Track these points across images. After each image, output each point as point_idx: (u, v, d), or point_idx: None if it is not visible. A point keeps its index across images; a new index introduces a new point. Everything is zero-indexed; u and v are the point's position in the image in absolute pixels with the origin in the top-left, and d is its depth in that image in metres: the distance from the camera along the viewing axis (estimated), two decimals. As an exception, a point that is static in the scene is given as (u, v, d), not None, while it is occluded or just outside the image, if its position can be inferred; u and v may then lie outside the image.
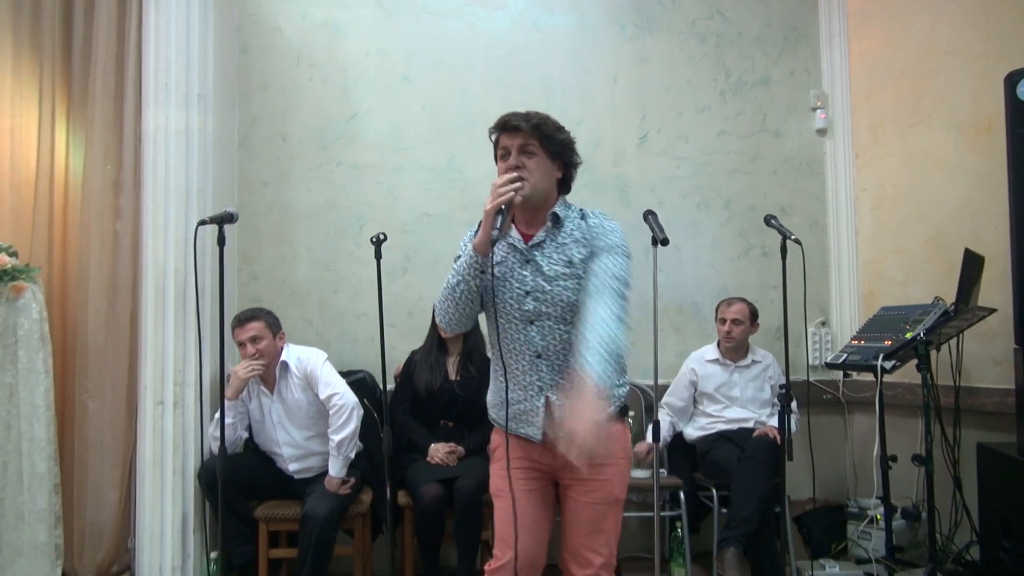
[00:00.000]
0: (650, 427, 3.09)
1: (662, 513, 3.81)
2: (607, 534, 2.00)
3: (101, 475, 3.10)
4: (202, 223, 2.59)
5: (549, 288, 1.95)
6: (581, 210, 2.06)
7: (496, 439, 2.09)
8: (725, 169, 4.14)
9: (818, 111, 4.17)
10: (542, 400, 1.97)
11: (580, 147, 4.09)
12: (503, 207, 1.85)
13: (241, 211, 3.77)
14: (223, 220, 2.54)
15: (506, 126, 1.97)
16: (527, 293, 1.96)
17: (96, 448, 3.11)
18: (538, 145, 1.96)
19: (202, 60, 3.28)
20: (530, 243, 1.98)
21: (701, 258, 4.11)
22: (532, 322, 1.96)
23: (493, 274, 1.91)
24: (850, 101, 4.17)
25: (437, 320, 2.03)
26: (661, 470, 3.70)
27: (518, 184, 1.89)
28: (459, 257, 2.00)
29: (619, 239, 2.00)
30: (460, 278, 1.93)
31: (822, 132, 4.20)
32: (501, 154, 1.99)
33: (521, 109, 3.99)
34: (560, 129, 2.02)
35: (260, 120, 3.85)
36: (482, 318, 2.12)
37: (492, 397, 2.09)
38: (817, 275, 4.18)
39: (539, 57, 4.05)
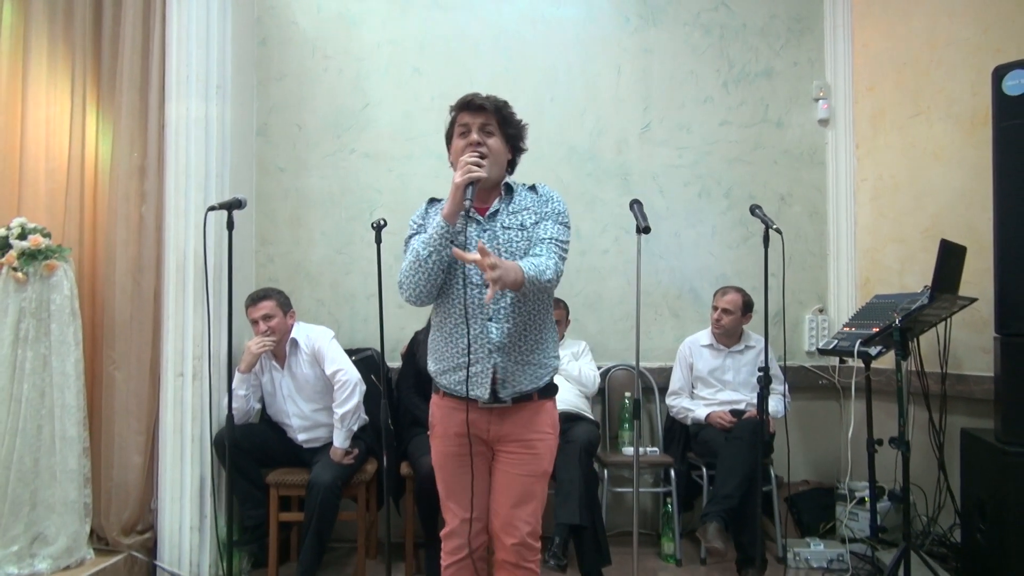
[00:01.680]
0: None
1: (654, 490, 3.98)
2: (534, 505, 2.13)
3: (126, 440, 3.33)
4: (211, 209, 2.78)
5: (504, 252, 2.08)
6: (532, 185, 2.21)
7: (436, 412, 2.19)
8: (726, 158, 4.23)
9: (820, 102, 4.24)
10: (491, 363, 2.07)
11: (583, 136, 4.29)
12: (472, 181, 2.00)
13: (259, 196, 4.01)
14: (232, 206, 2.72)
15: (470, 105, 2.12)
16: None
17: (122, 415, 3.33)
18: (496, 126, 2.13)
19: (221, 53, 3.46)
20: (486, 214, 2.12)
21: (701, 245, 4.22)
22: (487, 286, 2.01)
23: (466, 239, 2.02)
24: (852, 92, 4.22)
25: (403, 296, 2.10)
26: (655, 449, 3.88)
27: (484, 163, 2.05)
28: (413, 235, 2.14)
29: (561, 207, 2.17)
30: (431, 249, 2.02)
31: (824, 122, 4.26)
32: (461, 131, 2.13)
33: (528, 98, 4.19)
34: (516, 116, 2.18)
35: (278, 109, 4.04)
36: None
37: (441, 364, 2.15)
38: (816, 263, 4.28)
39: (545, 48, 4.18)
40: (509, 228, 2.12)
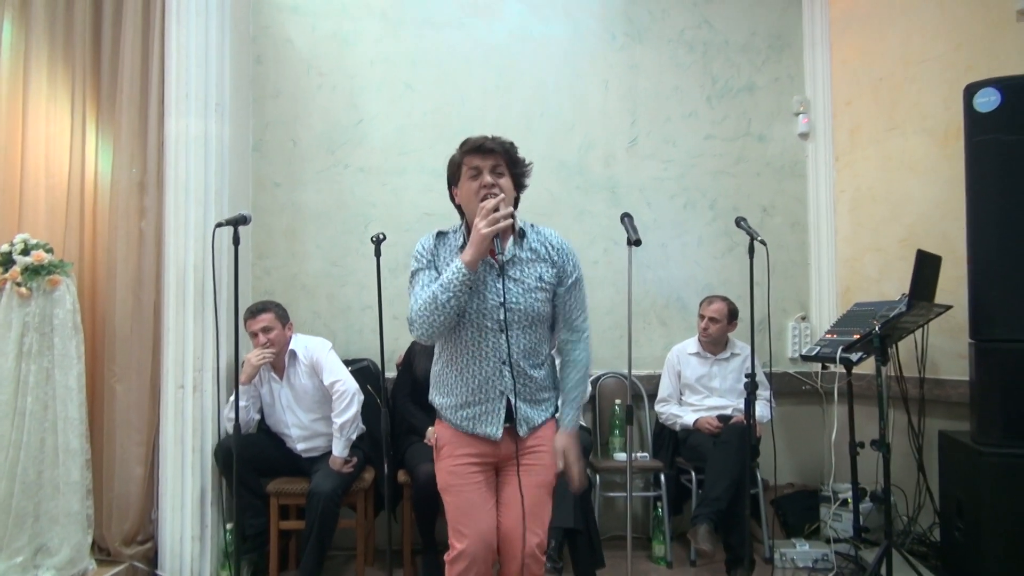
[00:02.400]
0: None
1: (645, 494, 4.08)
2: (542, 517, 2.19)
3: (127, 452, 3.39)
4: (219, 225, 2.86)
5: (523, 300, 2.12)
6: (531, 224, 2.26)
7: (444, 435, 2.24)
8: (711, 171, 4.37)
9: (800, 116, 4.39)
10: (503, 402, 2.14)
11: (572, 150, 4.41)
12: (499, 232, 2.05)
13: (255, 211, 4.07)
14: (238, 222, 2.81)
15: (481, 148, 2.13)
16: (501, 304, 2.10)
17: (123, 427, 3.39)
18: (506, 167, 2.16)
19: (219, 72, 3.54)
20: (503, 259, 2.12)
21: (687, 256, 4.34)
22: (503, 331, 2.11)
23: (485, 287, 2.11)
24: (831, 106, 4.38)
25: (414, 334, 2.13)
26: (645, 454, 3.98)
27: (509, 210, 2.10)
28: (419, 271, 2.17)
29: (579, 266, 2.27)
30: (451, 295, 2.03)
31: (804, 136, 4.41)
32: (472, 174, 2.13)
33: (518, 114, 4.29)
34: (520, 154, 2.22)
35: (273, 125, 4.13)
36: None
37: (449, 400, 2.20)
38: (798, 272, 4.42)
39: (534, 65, 4.30)
40: (528, 278, 2.15)
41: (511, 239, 2.18)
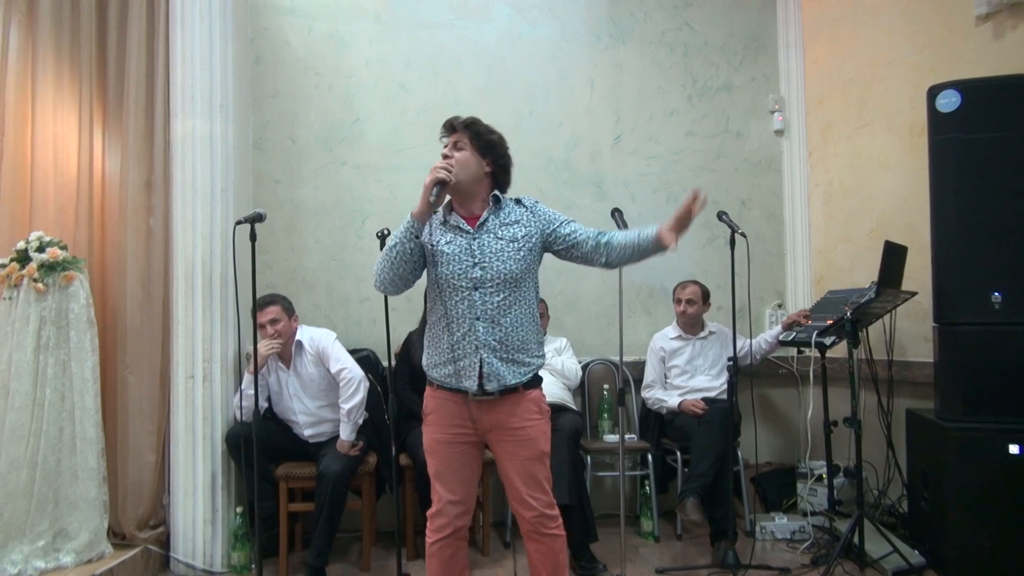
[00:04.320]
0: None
1: (633, 473, 4.29)
2: (541, 482, 2.39)
3: (140, 440, 3.51)
4: (239, 223, 3.00)
5: (495, 260, 2.33)
6: (516, 199, 2.48)
7: (429, 404, 2.44)
8: (692, 167, 4.58)
9: (775, 114, 4.62)
10: (478, 358, 2.32)
11: (560, 147, 4.60)
12: (437, 184, 2.24)
13: (256, 207, 4.13)
14: (255, 219, 2.96)
15: (446, 126, 2.42)
16: (475, 264, 2.32)
17: (136, 416, 3.52)
18: (468, 141, 2.38)
19: (223, 74, 3.65)
20: (476, 225, 2.37)
21: (670, 247, 4.54)
22: (476, 288, 2.31)
23: (431, 238, 2.34)
24: (804, 105, 4.60)
25: (374, 285, 2.39)
26: (632, 436, 4.19)
27: (447, 164, 2.29)
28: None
29: (551, 211, 2.49)
30: (396, 240, 2.28)
31: (779, 133, 4.64)
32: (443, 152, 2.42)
33: (508, 112, 4.46)
34: (491, 131, 2.44)
35: (272, 124, 4.26)
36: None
37: (434, 358, 2.41)
38: (774, 262, 4.65)
39: (523, 65, 4.47)
40: (501, 239, 2.36)
41: (487, 208, 2.40)
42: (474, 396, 2.34)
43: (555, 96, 4.50)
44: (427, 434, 2.45)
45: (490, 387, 2.32)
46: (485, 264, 2.33)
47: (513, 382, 2.35)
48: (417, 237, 2.28)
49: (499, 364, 2.33)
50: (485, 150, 2.41)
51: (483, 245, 2.34)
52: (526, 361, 2.38)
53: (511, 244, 2.36)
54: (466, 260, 2.33)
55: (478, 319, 2.32)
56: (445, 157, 2.36)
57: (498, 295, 2.32)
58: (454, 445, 2.39)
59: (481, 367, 2.31)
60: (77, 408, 3.27)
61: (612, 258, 2.42)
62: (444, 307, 2.37)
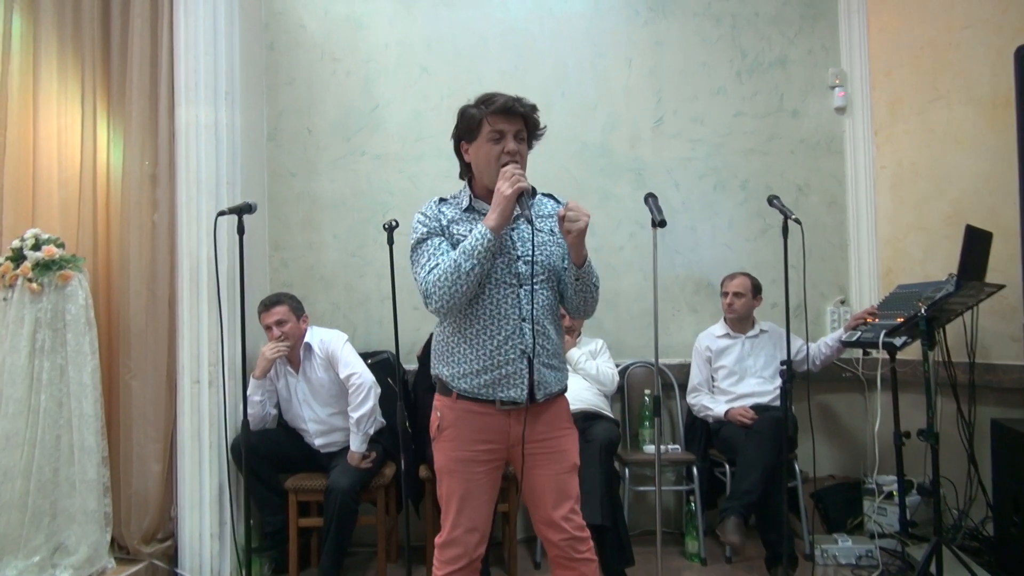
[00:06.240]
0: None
1: (677, 488, 3.92)
2: (572, 500, 2.11)
3: (145, 449, 3.33)
4: (221, 214, 2.77)
5: (542, 252, 2.08)
6: (548, 193, 2.25)
7: (447, 417, 2.10)
8: (741, 150, 4.17)
9: (836, 89, 4.18)
10: (525, 362, 2.04)
11: (595, 131, 4.25)
12: (522, 192, 1.98)
13: (271, 201, 4.00)
14: (242, 210, 2.71)
15: (509, 111, 2.05)
16: (518, 257, 2.06)
17: (140, 423, 3.33)
18: (526, 132, 2.09)
19: (229, 59, 3.45)
20: (530, 213, 2.05)
21: (718, 238, 4.16)
22: (522, 285, 2.05)
23: (512, 244, 2.06)
24: (869, 78, 4.15)
25: (432, 307, 2.03)
26: (676, 446, 3.82)
27: (520, 168, 2.02)
28: (426, 238, 2.08)
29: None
30: (475, 262, 1.96)
31: (840, 110, 4.20)
32: (494, 136, 2.05)
33: (538, 94, 4.14)
34: (539, 119, 2.14)
35: (287, 114, 4.04)
36: None
37: (463, 367, 2.07)
38: (836, 254, 4.22)
39: (554, 43, 4.14)
40: (540, 231, 2.12)
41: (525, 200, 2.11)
42: (516, 406, 2.05)
43: (589, 76, 4.16)
44: (443, 452, 2.13)
45: (539, 395, 2.06)
46: (528, 258, 2.06)
47: (557, 389, 2.14)
48: (496, 254, 2.02)
49: (545, 370, 2.08)
50: (532, 141, 2.15)
51: (523, 237, 2.08)
52: (562, 366, 2.20)
53: (551, 236, 2.13)
54: (509, 253, 2.06)
55: (526, 320, 2.03)
56: (511, 154, 2.04)
57: (543, 292, 2.09)
58: (479, 464, 2.08)
59: (532, 374, 2.04)
60: (75, 415, 3.10)
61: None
62: (478, 305, 2.05)
